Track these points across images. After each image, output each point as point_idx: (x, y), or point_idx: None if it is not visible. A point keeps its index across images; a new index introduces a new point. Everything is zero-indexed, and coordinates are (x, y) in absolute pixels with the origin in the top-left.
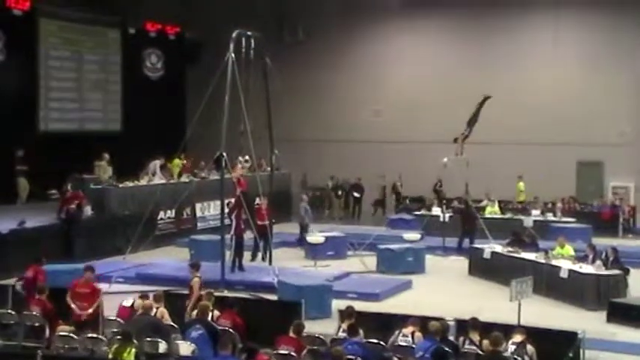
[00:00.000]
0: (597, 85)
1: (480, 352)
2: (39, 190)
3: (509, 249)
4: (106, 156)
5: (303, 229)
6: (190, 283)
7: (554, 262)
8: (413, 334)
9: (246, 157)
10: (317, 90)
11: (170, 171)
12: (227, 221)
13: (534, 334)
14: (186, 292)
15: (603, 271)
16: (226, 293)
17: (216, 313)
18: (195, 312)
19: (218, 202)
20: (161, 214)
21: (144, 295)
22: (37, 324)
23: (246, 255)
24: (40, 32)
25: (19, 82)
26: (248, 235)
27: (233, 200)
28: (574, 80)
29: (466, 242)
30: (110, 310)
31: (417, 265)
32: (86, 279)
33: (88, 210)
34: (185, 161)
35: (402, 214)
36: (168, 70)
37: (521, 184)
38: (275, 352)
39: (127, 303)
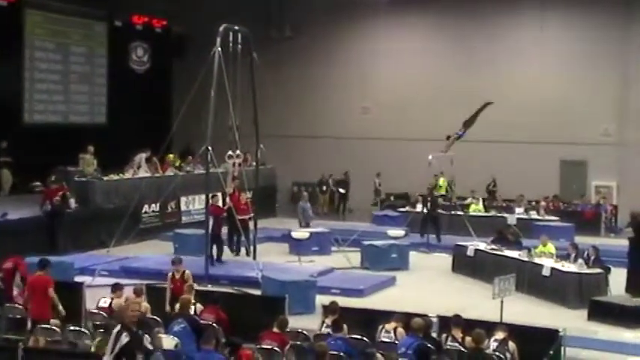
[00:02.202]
0: (582, 85)
1: (463, 349)
2: (22, 182)
3: (493, 247)
4: (91, 149)
5: (302, 226)
6: (184, 277)
7: (536, 261)
8: (396, 330)
9: (237, 152)
10: (304, 86)
11: (156, 164)
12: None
13: (516, 332)
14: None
15: (585, 270)
16: (210, 288)
17: (199, 306)
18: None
19: (203, 197)
20: (145, 208)
21: (116, 286)
22: (18, 316)
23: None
24: (26, 24)
25: (4, 73)
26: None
27: (219, 196)
28: (559, 79)
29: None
30: (93, 303)
31: (401, 261)
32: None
33: (72, 203)
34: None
35: (386, 210)
36: (154, 63)
37: (442, 180)
38: (258, 347)
39: (105, 303)
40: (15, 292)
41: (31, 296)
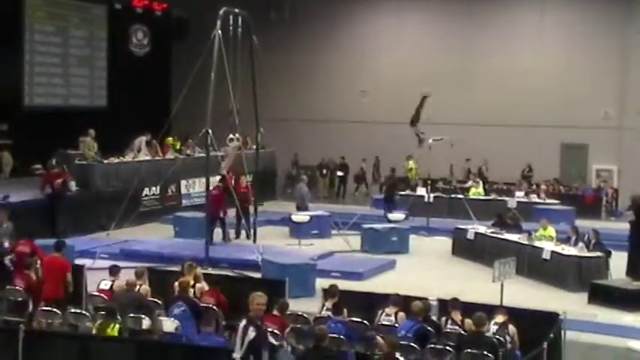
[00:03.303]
0: (582, 68)
1: (462, 332)
2: (23, 165)
3: (493, 230)
4: (92, 132)
5: (299, 210)
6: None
7: (536, 244)
8: (396, 314)
9: (237, 136)
10: (303, 69)
11: (156, 148)
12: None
13: (516, 315)
14: (169, 268)
15: (585, 253)
16: (210, 271)
17: (199, 286)
18: None
19: (203, 180)
20: (146, 191)
21: (114, 268)
22: (19, 299)
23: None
24: (26, 7)
25: (4, 56)
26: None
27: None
28: (559, 63)
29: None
30: (93, 286)
31: (401, 245)
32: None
33: (72, 185)
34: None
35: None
36: (154, 46)
37: (411, 163)
38: None
39: (106, 285)
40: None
41: (47, 277)
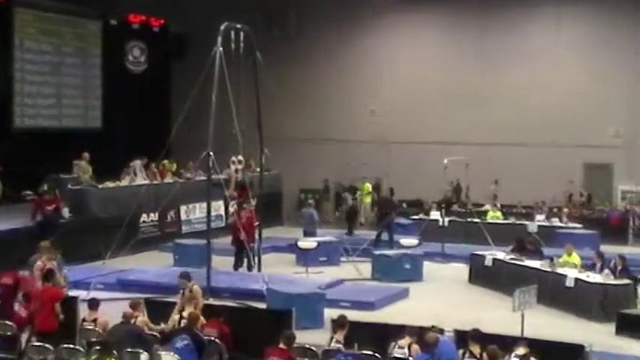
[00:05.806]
0: (605, 85)
1: None
2: (12, 191)
3: (512, 256)
4: (86, 155)
5: (307, 235)
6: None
7: (559, 271)
8: (410, 346)
9: (240, 158)
10: (308, 87)
11: (154, 171)
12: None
13: (538, 347)
14: (169, 299)
15: (611, 281)
16: (212, 301)
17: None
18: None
19: (204, 205)
20: (144, 217)
21: (93, 301)
22: (8, 333)
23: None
24: (16, 23)
25: None
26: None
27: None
28: (580, 80)
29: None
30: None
31: (415, 272)
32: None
33: (65, 212)
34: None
35: (399, 218)
36: (151, 64)
37: (367, 185)
38: None
39: (90, 325)
40: (16, 307)
41: (39, 308)
